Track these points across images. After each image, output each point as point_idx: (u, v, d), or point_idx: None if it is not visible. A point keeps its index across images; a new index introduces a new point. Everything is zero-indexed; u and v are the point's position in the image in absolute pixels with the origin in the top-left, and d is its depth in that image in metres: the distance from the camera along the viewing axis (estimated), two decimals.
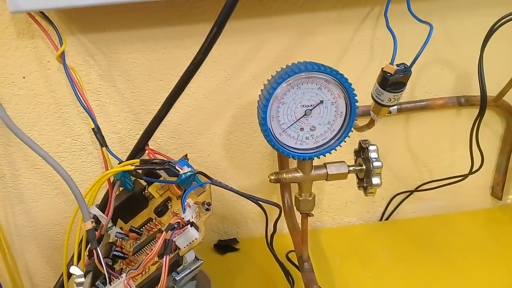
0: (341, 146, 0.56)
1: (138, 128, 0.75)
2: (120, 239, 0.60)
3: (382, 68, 0.53)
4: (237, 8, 0.55)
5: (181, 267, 0.51)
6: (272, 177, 0.59)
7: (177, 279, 0.52)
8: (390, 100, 0.55)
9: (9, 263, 0.82)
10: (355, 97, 0.53)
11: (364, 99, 0.61)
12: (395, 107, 0.76)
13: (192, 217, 0.49)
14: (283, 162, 0.77)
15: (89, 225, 0.51)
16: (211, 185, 0.56)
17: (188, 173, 0.54)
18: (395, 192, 0.87)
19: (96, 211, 0.56)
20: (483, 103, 0.70)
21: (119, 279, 0.50)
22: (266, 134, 0.54)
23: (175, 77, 0.63)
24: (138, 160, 0.58)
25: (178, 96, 0.63)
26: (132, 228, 0.60)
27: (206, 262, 0.54)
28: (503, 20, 0.64)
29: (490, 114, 0.81)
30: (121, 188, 0.63)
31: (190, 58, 0.59)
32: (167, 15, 0.68)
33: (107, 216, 0.57)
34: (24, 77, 0.70)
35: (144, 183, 0.63)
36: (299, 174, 0.59)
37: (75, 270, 0.54)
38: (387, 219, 0.89)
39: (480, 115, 0.71)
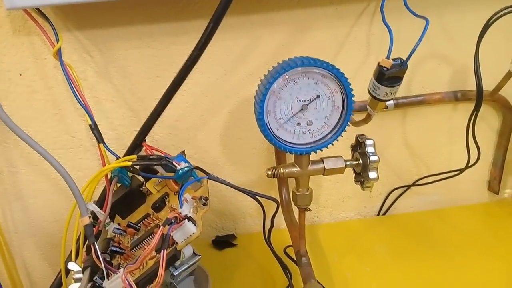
0: (338, 140, 0.56)
1: (135, 125, 0.74)
2: (118, 235, 0.60)
3: (379, 63, 0.53)
4: (233, 4, 0.55)
5: (179, 262, 0.51)
6: (270, 172, 0.59)
7: (175, 274, 0.52)
8: (387, 95, 0.55)
9: (7, 260, 0.82)
10: (351, 92, 0.53)
11: (360, 94, 0.61)
12: (392, 102, 0.76)
13: (190, 212, 0.49)
14: (280, 157, 0.77)
15: (87, 220, 0.51)
16: (208, 180, 0.56)
17: (185, 168, 0.54)
18: (392, 187, 0.87)
19: (93, 207, 0.56)
20: (480, 97, 0.70)
21: (117, 274, 0.50)
22: (263, 129, 0.54)
23: (171, 73, 0.63)
24: (135, 156, 0.58)
25: (175, 92, 0.63)
26: (129, 223, 0.60)
27: (204, 258, 0.54)
28: (498, 15, 0.65)
29: (486, 108, 0.81)
30: (118, 184, 0.63)
31: (187, 55, 0.59)
32: (164, 11, 0.68)
33: (104, 212, 0.57)
34: (20, 74, 0.70)
35: (142, 179, 0.63)
36: (296, 169, 0.60)
37: (73, 266, 0.54)
38: (384, 214, 0.90)
39: (477, 109, 0.72)
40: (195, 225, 0.48)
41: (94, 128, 0.65)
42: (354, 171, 0.62)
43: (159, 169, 0.57)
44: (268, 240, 0.64)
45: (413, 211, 0.90)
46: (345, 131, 0.56)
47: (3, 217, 0.81)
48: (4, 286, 0.83)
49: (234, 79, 0.74)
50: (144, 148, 0.67)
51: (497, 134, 0.84)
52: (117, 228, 0.60)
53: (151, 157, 0.59)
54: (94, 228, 0.55)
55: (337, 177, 0.84)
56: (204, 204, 0.52)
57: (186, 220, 0.47)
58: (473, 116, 0.72)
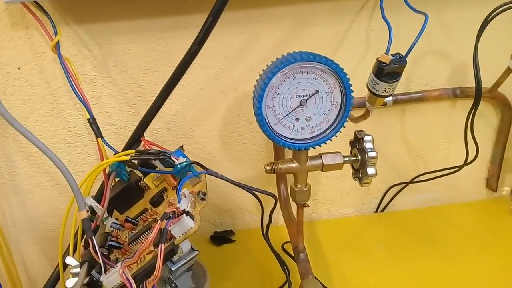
0: (336, 136, 0.56)
1: (134, 119, 0.74)
2: (116, 230, 0.59)
3: (378, 58, 0.53)
4: None
5: (177, 257, 0.51)
6: (268, 168, 0.59)
7: (173, 269, 0.52)
8: (385, 91, 0.55)
9: (4, 255, 0.82)
10: (350, 87, 0.53)
11: (359, 90, 0.61)
12: (391, 98, 0.76)
13: (188, 207, 0.49)
14: (278, 153, 0.77)
15: (84, 214, 0.51)
16: (206, 175, 0.56)
17: (184, 163, 0.54)
18: (391, 183, 0.87)
19: (91, 202, 0.56)
20: (478, 94, 0.70)
21: (114, 268, 0.50)
22: (261, 124, 0.54)
23: (170, 68, 0.63)
24: (134, 151, 0.58)
25: (173, 87, 0.63)
26: (127, 218, 0.59)
27: (202, 254, 0.54)
28: (497, 11, 0.65)
29: (485, 105, 0.81)
30: (116, 179, 0.63)
31: (186, 49, 0.59)
32: (163, 5, 0.68)
33: (102, 207, 0.57)
34: (19, 68, 0.70)
35: (140, 174, 0.63)
36: (294, 165, 0.60)
37: (70, 260, 0.54)
38: (382, 210, 0.90)
39: (475, 106, 0.71)
40: (193, 220, 0.48)
41: (92, 122, 0.65)
42: (353, 167, 0.62)
43: (158, 164, 0.57)
44: (266, 236, 0.64)
45: (411, 208, 0.90)
46: (344, 127, 0.55)
47: (1, 211, 0.81)
48: (2, 280, 0.83)
49: (233, 74, 0.74)
50: (142, 143, 0.67)
51: (496, 131, 0.84)
52: (115, 223, 0.59)
53: (149, 151, 0.58)
54: (92, 223, 0.55)
55: (336, 174, 0.84)
56: (202, 199, 0.52)
57: (184, 214, 0.47)
58: (472, 113, 0.72)
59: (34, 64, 0.70)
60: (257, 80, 0.54)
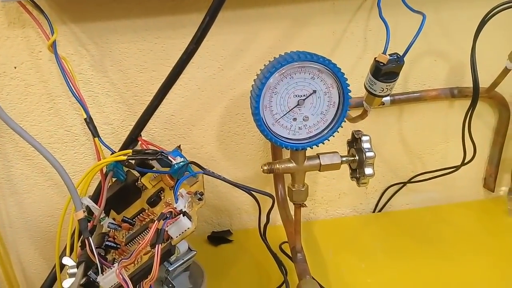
0: (334, 136, 0.56)
1: (131, 119, 0.74)
2: (113, 230, 0.59)
3: (375, 58, 0.53)
4: None
5: (174, 257, 0.51)
6: (265, 167, 0.59)
7: (170, 269, 0.51)
8: (383, 90, 0.55)
9: (1, 255, 0.82)
10: (348, 87, 0.53)
11: (357, 90, 0.61)
12: (388, 98, 0.76)
13: (185, 207, 0.49)
14: (276, 153, 0.77)
15: (81, 214, 0.51)
16: (203, 175, 0.56)
17: (181, 163, 0.54)
18: (388, 184, 0.87)
19: (88, 202, 0.56)
20: (476, 94, 0.70)
21: (111, 269, 0.49)
22: (259, 124, 0.54)
23: (167, 67, 0.62)
24: (131, 150, 0.58)
25: (171, 87, 0.62)
26: (124, 218, 0.59)
27: (200, 254, 0.54)
28: (494, 11, 0.64)
29: (483, 105, 0.81)
30: (113, 179, 0.63)
31: (183, 49, 0.59)
32: (160, 4, 0.68)
33: (99, 207, 0.57)
34: (15, 67, 0.70)
35: (137, 174, 0.62)
36: (292, 165, 0.59)
37: (67, 261, 0.54)
38: (380, 210, 0.90)
39: (473, 106, 0.71)
40: (190, 220, 0.48)
41: (89, 122, 0.65)
42: (350, 167, 0.62)
43: (155, 163, 0.57)
44: (263, 236, 0.63)
45: (408, 208, 0.90)
46: (341, 127, 0.55)
47: None
48: None
49: (231, 74, 0.74)
50: (139, 142, 0.67)
51: (493, 131, 0.84)
52: (112, 223, 0.59)
53: (146, 151, 0.58)
54: (89, 223, 0.55)
55: (333, 174, 0.83)
56: (200, 199, 0.52)
57: (181, 215, 0.47)
58: (469, 113, 0.72)
59: (30, 63, 0.70)
60: (254, 80, 0.54)
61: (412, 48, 0.52)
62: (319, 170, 0.60)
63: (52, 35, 0.62)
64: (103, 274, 0.50)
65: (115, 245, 0.56)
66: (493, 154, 0.85)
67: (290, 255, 0.70)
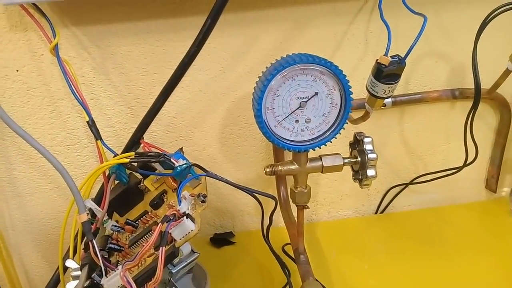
0: (336, 138, 0.56)
1: (133, 122, 0.74)
2: (116, 232, 0.59)
3: (377, 60, 0.53)
4: (231, 0, 0.55)
5: (177, 260, 0.51)
6: (268, 170, 0.59)
7: (173, 272, 0.51)
8: (385, 92, 0.55)
9: (4, 258, 0.82)
10: (349, 89, 0.53)
11: (359, 92, 0.61)
12: (390, 100, 0.76)
13: (188, 209, 0.49)
14: (278, 155, 0.77)
15: (84, 217, 0.51)
16: (206, 177, 0.56)
17: (184, 166, 0.54)
18: (390, 185, 0.87)
19: (91, 204, 0.56)
20: (477, 95, 0.70)
21: (115, 271, 0.50)
22: (261, 126, 0.54)
23: (169, 70, 0.63)
24: (133, 153, 0.58)
25: (172, 89, 0.63)
26: (128, 221, 0.59)
27: (203, 256, 0.54)
28: (495, 12, 0.64)
29: (484, 106, 0.81)
30: (116, 182, 0.63)
31: (185, 51, 0.59)
32: (161, 7, 0.68)
33: (102, 209, 0.57)
34: (17, 70, 0.70)
35: (140, 176, 0.62)
36: (294, 167, 0.60)
37: (71, 263, 0.54)
38: (382, 212, 0.90)
39: (474, 107, 0.71)
40: (194, 222, 0.48)
41: (91, 124, 0.65)
42: (352, 169, 0.62)
43: (157, 166, 0.57)
44: (266, 238, 0.64)
45: (410, 209, 0.90)
46: (344, 129, 0.56)
47: (0, 214, 0.81)
48: (2, 283, 0.83)
49: (232, 76, 0.74)
50: (142, 145, 0.67)
51: (495, 132, 0.84)
52: (115, 226, 0.59)
53: (149, 154, 0.58)
54: (92, 225, 0.55)
55: (335, 175, 0.84)
56: (203, 201, 0.52)
57: (185, 217, 0.47)
58: (471, 114, 0.72)
59: (32, 66, 0.70)
60: (256, 82, 0.54)
61: (413, 50, 0.52)
62: (322, 172, 0.60)
63: (54, 38, 0.62)
64: (107, 277, 0.50)
65: (118, 248, 0.56)
66: (495, 155, 0.85)
67: (293, 256, 0.70)
